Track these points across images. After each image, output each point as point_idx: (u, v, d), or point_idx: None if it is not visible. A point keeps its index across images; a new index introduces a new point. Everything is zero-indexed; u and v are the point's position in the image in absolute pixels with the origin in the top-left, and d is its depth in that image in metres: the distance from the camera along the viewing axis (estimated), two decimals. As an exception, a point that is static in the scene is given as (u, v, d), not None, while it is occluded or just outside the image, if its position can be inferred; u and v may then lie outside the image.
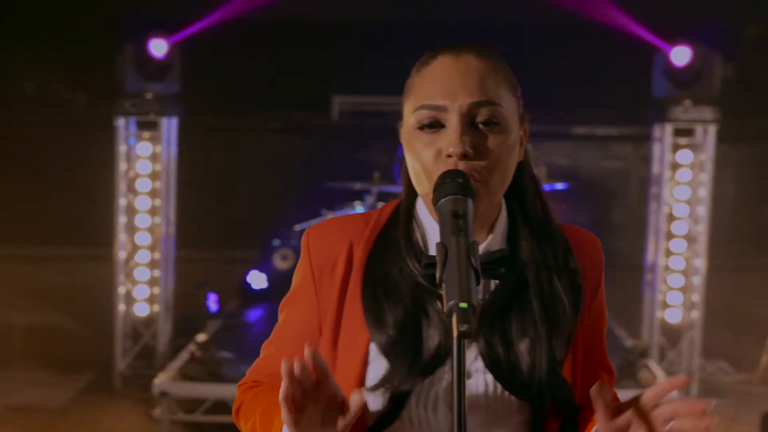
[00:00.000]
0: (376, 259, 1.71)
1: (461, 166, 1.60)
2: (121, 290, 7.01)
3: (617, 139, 11.99)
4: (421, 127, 1.65)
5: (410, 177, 1.72)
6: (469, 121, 1.63)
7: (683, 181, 7.05)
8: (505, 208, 1.75)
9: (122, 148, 6.96)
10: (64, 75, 10.87)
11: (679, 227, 7.07)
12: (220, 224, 10.70)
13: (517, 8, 7.67)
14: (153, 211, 7.07)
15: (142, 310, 7.10)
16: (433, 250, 1.66)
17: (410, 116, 1.67)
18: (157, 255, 7.08)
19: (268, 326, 7.74)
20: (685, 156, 7.06)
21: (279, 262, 8.87)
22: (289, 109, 11.31)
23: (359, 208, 6.56)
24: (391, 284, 1.67)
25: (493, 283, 1.69)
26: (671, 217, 7.10)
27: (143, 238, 7.07)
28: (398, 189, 5.83)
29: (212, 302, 7.98)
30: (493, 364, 1.64)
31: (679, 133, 7.05)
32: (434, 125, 1.64)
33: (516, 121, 1.69)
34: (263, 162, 11.29)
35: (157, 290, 7.08)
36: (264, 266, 8.58)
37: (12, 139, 10.28)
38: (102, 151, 7.48)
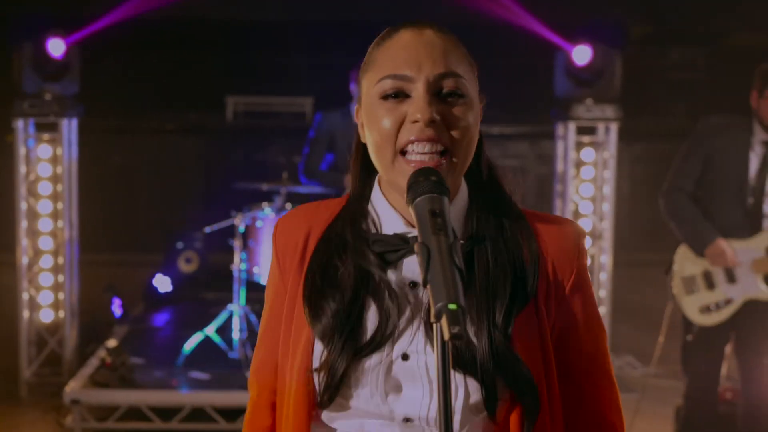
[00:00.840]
0: (321, 248, 1.72)
1: (428, 132, 1.60)
2: (25, 296, 6.81)
3: (514, 138, 12.17)
4: (385, 97, 1.65)
5: (361, 161, 1.75)
6: (435, 92, 1.63)
7: (587, 178, 7.19)
8: (465, 185, 1.75)
9: (21, 151, 6.76)
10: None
11: (585, 224, 7.20)
12: (124, 227, 10.53)
13: (417, 6, 7.68)
14: (55, 215, 6.88)
15: (47, 316, 6.92)
16: (386, 232, 1.70)
17: (372, 88, 1.67)
18: (60, 259, 6.90)
19: (174, 330, 7.67)
20: (588, 154, 7.19)
21: (183, 265, 8.76)
22: (185, 110, 11.20)
23: (268, 210, 6.47)
24: (332, 272, 1.68)
25: None
26: (577, 215, 7.22)
27: (46, 243, 6.89)
28: (308, 190, 5.75)
29: (116, 307, 7.82)
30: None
31: (582, 131, 7.18)
32: (399, 95, 1.64)
33: (477, 96, 1.71)
34: (164, 163, 11.16)
35: (62, 295, 6.90)
36: (169, 269, 8.45)
37: None
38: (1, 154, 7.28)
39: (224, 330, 6.44)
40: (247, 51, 10.62)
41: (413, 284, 1.67)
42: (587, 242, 7.13)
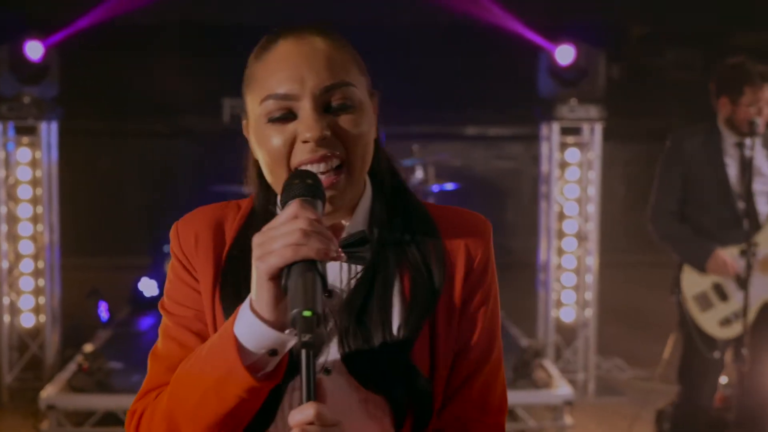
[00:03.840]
0: (235, 255, 1.65)
1: (320, 151, 1.53)
2: (5, 301, 6.77)
3: (509, 139, 12.13)
4: (271, 120, 1.56)
5: (264, 175, 1.64)
6: (323, 106, 1.56)
7: (572, 179, 7.12)
8: (370, 188, 1.69)
9: (0, 155, 6.72)
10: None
11: (570, 226, 7.13)
12: (109, 230, 10.48)
13: (404, 9, 7.67)
14: (35, 219, 6.84)
15: (27, 320, 6.87)
16: None
17: (256, 108, 1.59)
18: (41, 264, 6.86)
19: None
20: (572, 154, 7.12)
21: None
22: (177, 113, 11.15)
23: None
24: (246, 291, 1.54)
25: (356, 269, 1.64)
26: (562, 216, 7.15)
27: (26, 247, 6.84)
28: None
29: (103, 311, 7.78)
30: (350, 360, 1.57)
31: (566, 131, 7.11)
32: (286, 117, 1.56)
33: (368, 99, 1.63)
34: (150, 166, 11.11)
35: (42, 300, 6.86)
36: (155, 273, 8.39)
37: None
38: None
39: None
40: (245, 53, 10.57)
41: (329, 293, 1.62)
42: (574, 244, 7.07)
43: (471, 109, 11.23)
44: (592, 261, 7.07)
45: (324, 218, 1.59)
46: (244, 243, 1.60)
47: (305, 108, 1.54)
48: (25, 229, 6.82)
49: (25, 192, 6.80)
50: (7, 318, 6.79)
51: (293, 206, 1.40)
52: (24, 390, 6.66)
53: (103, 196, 10.84)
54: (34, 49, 6.51)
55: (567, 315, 7.18)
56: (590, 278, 7.08)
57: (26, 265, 6.86)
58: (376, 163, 1.69)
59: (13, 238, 6.81)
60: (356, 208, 1.65)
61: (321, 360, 1.58)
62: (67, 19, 6.65)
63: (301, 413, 1.33)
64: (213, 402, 1.47)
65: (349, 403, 1.57)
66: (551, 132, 7.09)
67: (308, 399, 1.33)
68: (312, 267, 1.36)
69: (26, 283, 6.86)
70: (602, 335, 7.18)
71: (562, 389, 5.93)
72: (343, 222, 1.65)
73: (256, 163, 1.67)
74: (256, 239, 1.40)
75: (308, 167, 1.54)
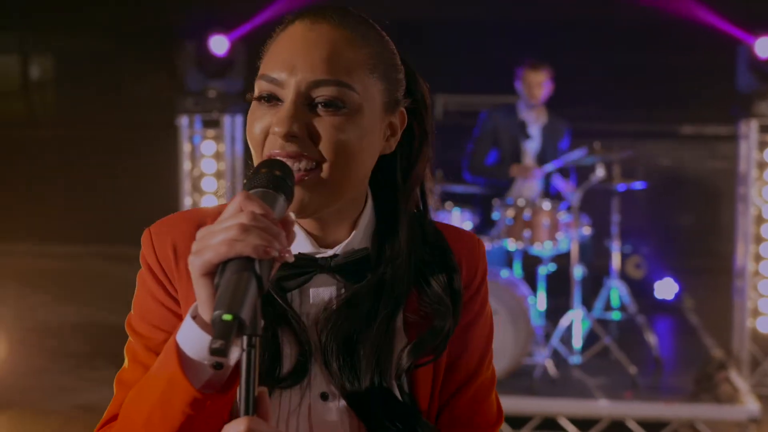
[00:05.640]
0: None
1: (288, 148, 1.39)
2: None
3: (724, 139, 11.52)
4: (260, 99, 1.44)
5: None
6: (306, 101, 1.41)
7: (772, 180, 6.64)
8: (372, 203, 1.54)
9: (186, 147, 6.89)
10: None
11: (768, 231, 6.65)
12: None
13: (605, 6, 7.41)
14: (218, 212, 6.96)
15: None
16: (293, 251, 1.47)
17: (255, 84, 1.47)
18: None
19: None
20: (773, 154, 6.64)
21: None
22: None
23: (454, 210, 6.35)
24: None
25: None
26: (760, 219, 6.68)
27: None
28: (462, 189, 5.52)
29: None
30: (342, 389, 1.45)
31: (765, 129, 6.63)
32: (272, 99, 1.43)
33: (377, 107, 1.47)
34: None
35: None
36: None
37: (88, 139, 10.44)
38: (165, 151, 7.43)
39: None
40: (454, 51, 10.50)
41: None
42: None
43: (684, 107, 10.74)
44: (794, 270, 6.56)
45: (320, 227, 1.49)
46: None
47: (288, 97, 1.41)
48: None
49: (209, 184, 6.95)
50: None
51: (238, 198, 1.26)
52: None
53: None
54: (219, 44, 6.64)
55: (764, 325, 6.69)
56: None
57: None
58: (392, 176, 1.56)
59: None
60: (357, 221, 1.52)
61: (317, 386, 1.47)
62: (250, 12, 6.72)
63: (233, 429, 1.21)
64: (159, 421, 1.32)
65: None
66: (749, 130, 6.63)
67: (246, 413, 1.21)
68: (248, 266, 1.21)
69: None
70: None
71: (748, 405, 5.53)
72: (340, 238, 1.52)
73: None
74: (199, 233, 1.26)
75: None
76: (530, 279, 6.50)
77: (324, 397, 1.46)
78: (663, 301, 8.41)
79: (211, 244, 1.22)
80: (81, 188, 10.51)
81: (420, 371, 1.49)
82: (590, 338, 6.38)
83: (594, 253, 7.05)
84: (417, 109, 1.56)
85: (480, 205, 6.62)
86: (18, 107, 11.62)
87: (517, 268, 6.40)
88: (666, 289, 8.46)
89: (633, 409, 5.62)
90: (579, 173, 6.71)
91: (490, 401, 1.59)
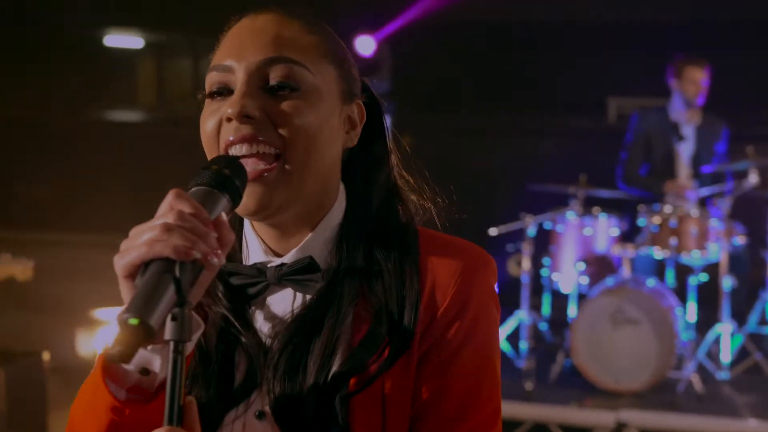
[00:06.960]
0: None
1: (244, 130, 1.32)
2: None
3: None
4: (211, 95, 1.38)
5: None
6: (259, 83, 1.35)
7: None
8: (343, 204, 1.45)
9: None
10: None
11: None
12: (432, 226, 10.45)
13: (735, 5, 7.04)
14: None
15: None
16: (253, 260, 1.44)
17: (206, 81, 1.41)
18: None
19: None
20: None
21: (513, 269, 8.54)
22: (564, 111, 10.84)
23: (570, 214, 6.13)
24: (196, 308, 1.35)
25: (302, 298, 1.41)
26: None
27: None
28: (609, 193, 5.29)
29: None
30: (276, 410, 1.35)
31: None
32: (222, 91, 1.37)
33: (334, 93, 1.40)
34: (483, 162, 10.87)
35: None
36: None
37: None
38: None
39: (511, 337, 6.19)
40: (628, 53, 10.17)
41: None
42: None
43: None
44: None
45: (279, 234, 1.41)
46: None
47: (239, 81, 1.36)
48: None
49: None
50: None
51: (167, 197, 1.20)
52: None
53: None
54: (365, 45, 6.64)
55: None
56: None
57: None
58: (354, 174, 1.48)
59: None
60: (318, 225, 1.42)
61: (255, 401, 1.38)
62: (395, 12, 6.67)
63: None
64: (91, 423, 1.28)
65: None
66: None
67: (169, 422, 1.13)
68: (168, 268, 1.14)
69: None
70: None
71: None
72: (294, 243, 1.43)
73: None
74: (131, 232, 1.21)
75: (232, 149, 1.35)
76: (681, 289, 6.20)
77: (259, 416, 1.37)
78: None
79: (135, 245, 1.17)
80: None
81: (358, 401, 1.33)
82: (741, 353, 6.07)
83: (749, 263, 6.66)
84: (374, 106, 1.52)
85: (629, 211, 6.38)
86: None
87: (670, 276, 6.12)
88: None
89: (783, 431, 5.29)
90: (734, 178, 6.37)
91: None
